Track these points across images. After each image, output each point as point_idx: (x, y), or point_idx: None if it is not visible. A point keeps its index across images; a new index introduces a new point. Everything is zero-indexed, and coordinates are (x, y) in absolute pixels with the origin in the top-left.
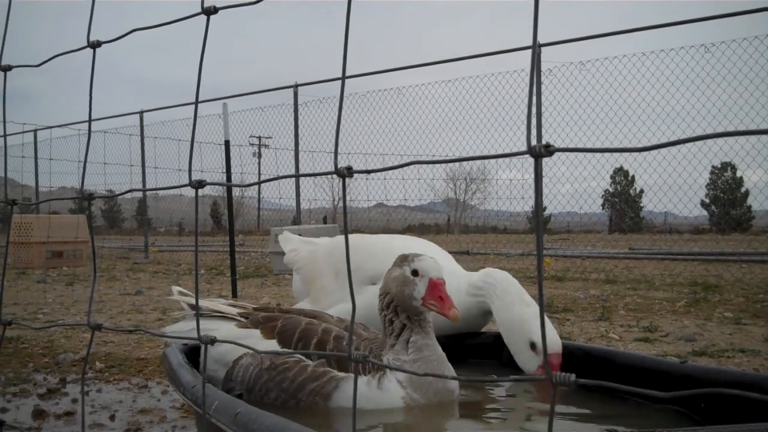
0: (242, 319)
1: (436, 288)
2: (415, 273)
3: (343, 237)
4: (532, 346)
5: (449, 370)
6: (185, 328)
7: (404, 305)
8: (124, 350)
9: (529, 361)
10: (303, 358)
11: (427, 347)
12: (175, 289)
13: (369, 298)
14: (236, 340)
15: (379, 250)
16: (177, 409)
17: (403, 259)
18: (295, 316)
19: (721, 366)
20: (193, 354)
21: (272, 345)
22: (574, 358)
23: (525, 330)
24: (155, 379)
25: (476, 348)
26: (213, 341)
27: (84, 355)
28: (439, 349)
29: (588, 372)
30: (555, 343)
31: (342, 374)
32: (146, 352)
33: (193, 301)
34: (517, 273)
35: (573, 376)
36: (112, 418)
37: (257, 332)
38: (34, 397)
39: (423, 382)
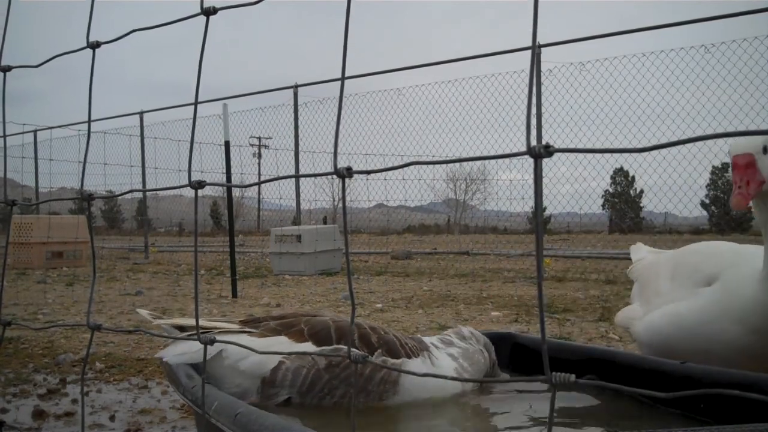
0: (251, 330)
1: None
2: None
3: (694, 244)
4: (765, 150)
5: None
6: (190, 349)
7: None
8: (124, 350)
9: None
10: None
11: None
12: (143, 312)
13: (702, 301)
14: (269, 349)
15: (719, 252)
16: (177, 409)
17: None
18: (311, 318)
19: (721, 366)
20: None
21: (310, 348)
22: (574, 358)
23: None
24: (155, 380)
25: None
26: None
27: (84, 356)
28: None
29: (588, 372)
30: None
31: (400, 360)
32: (146, 353)
33: (176, 322)
34: (518, 273)
35: (572, 377)
36: (112, 418)
37: (284, 338)
38: (34, 397)
39: (472, 354)
